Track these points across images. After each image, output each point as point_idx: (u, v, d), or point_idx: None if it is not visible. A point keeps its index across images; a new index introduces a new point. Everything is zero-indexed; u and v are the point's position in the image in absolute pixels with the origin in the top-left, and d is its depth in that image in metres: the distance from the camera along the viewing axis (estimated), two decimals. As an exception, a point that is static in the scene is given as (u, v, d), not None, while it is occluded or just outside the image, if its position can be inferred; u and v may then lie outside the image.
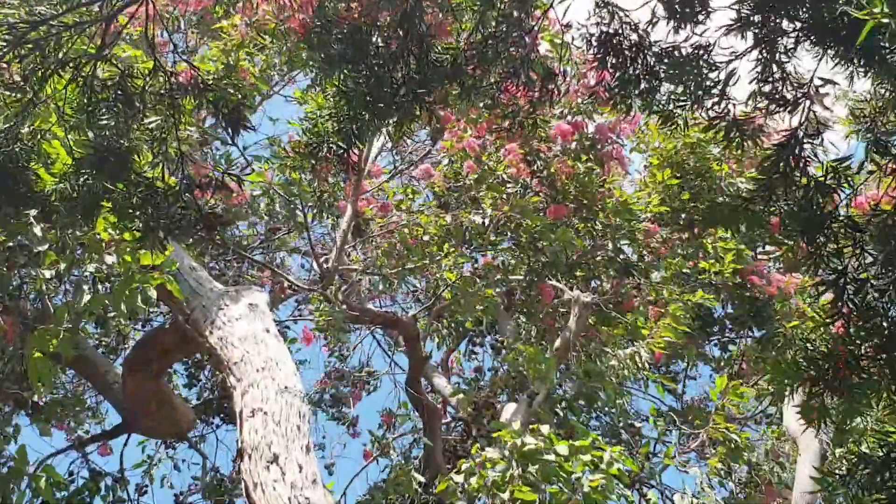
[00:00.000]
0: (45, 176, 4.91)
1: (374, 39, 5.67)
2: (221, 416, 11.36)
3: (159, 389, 8.59)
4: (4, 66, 4.40)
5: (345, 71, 5.57)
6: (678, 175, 10.55)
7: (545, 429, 7.05)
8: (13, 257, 6.11)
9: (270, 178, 10.13)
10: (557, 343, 9.85)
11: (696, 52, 4.93)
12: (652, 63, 5.12)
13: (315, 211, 10.94)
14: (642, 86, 5.16)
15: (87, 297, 6.30)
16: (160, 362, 8.26)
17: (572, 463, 6.67)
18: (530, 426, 7.34)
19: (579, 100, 10.15)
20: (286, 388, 6.43)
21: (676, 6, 5.03)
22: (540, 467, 6.65)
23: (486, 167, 10.10)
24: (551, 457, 6.70)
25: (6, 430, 8.40)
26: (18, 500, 6.76)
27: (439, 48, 5.55)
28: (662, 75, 5.08)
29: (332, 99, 5.97)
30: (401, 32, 5.52)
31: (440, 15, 6.21)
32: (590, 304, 10.03)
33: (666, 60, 5.04)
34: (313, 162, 6.11)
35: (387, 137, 11.00)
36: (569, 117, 10.28)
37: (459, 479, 6.87)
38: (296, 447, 5.97)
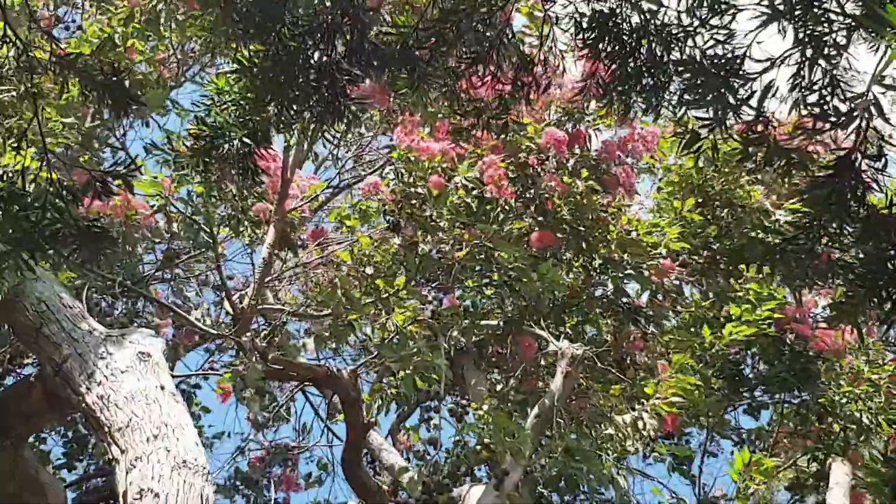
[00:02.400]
0: None
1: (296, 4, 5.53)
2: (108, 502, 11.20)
3: (20, 463, 8.38)
4: None
5: (253, 40, 5.42)
6: (700, 201, 10.46)
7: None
8: None
9: (169, 186, 9.98)
10: (536, 409, 9.68)
11: (721, 60, 4.81)
12: (660, 53, 5.00)
13: (229, 230, 10.81)
14: (645, 81, 5.05)
15: None
16: (21, 428, 8.06)
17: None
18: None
19: (574, 106, 10.11)
20: (184, 462, 6.25)
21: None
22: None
23: (452, 179, 9.99)
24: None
25: None
26: None
27: (383, 25, 5.46)
28: (676, 78, 4.95)
29: (235, 83, 5.81)
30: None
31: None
32: (581, 359, 9.91)
33: (684, 69, 4.91)
34: (206, 161, 5.90)
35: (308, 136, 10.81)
36: (568, 126, 10.24)
37: None
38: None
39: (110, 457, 6.59)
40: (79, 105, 8.13)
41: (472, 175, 10.00)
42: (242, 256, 12.41)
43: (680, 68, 4.87)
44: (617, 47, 5.03)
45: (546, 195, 10.11)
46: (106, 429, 6.60)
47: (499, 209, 10.08)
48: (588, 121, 10.38)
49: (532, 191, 10.20)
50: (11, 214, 4.59)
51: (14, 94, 4.58)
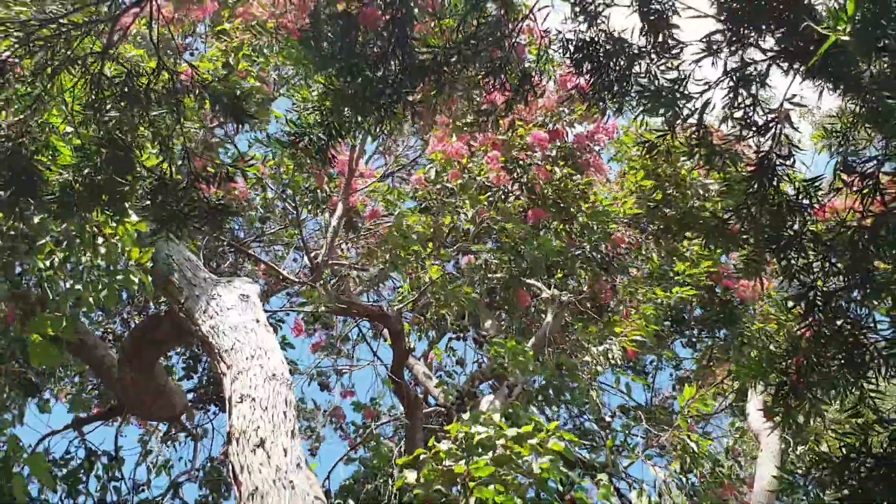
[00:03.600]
0: (51, 168, 4.84)
1: (361, 40, 5.61)
2: (216, 404, 11.29)
3: (153, 375, 8.49)
4: (15, 61, 4.33)
5: (332, 68, 5.52)
6: (653, 183, 10.49)
7: (496, 417, 6.97)
8: (15, 246, 6.02)
9: (264, 173, 10.10)
10: (534, 339, 9.83)
11: (671, 84, 4.88)
12: (625, 67, 5.09)
13: (308, 205, 10.89)
14: (615, 89, 5.14)
15: (78, 287, 6.25)
16: (154, 350, 8.16)
17: (523, 447, 6.61)
18: (482, 416, 7.25)
19: (561, 109, 10.14)
20: (274, 375, 6.36)
21: (651, 20, 5.01)
22: (493, 456, 6.58)
23: (468, 174, 10.05)
24: (501, 442, 6.64)
25: (12, 412, 8.30)
26: (17, 481, 6.65)
27: (422, 49, 5.50)
28: (636, 87, 5.04)
29: (316, 94, 5.92)
30: (386, 34, 5.47)
31: (426, 19, 6.16)
32: (566, 303, 10.01)
33: (643, 92, 4.99)
34: (293, 151, 6.06)
35: (378, 138, 10.93)
36: (549, 125, 10.24)
37: (412, 475, 6.75)
38: (281, 432, 5.90)
39: (219, 371, 6.69)
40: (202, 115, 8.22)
41: (478, 164, 10.08)
42: (319, 225, 12.39)
43: (640, 89, 4.95)
44: (595, 65, 5.09)
45: (534, 181, 10.15)
46: (216, 350, 6.71)
47: (499, 192, 10.16)
48: (564, 120, 10.38)
49: (524, 178, 10.23)
50: (159, 201, 4.64)
51: (164, 111, 4.58)
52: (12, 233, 5.89)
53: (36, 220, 5.82)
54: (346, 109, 5.74)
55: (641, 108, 5.03)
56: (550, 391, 9.56)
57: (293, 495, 5.39)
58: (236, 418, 6.02)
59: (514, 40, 5.78)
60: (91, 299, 6.30)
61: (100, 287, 6.28)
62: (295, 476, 5.58)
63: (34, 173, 4.48)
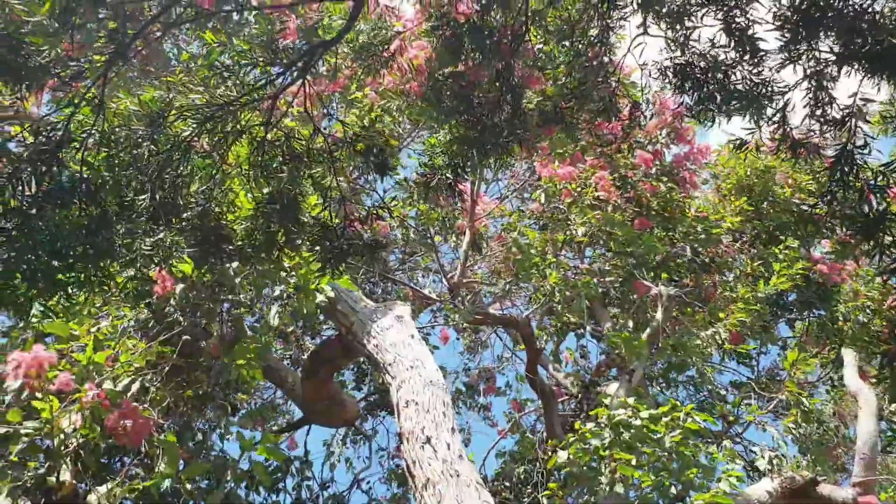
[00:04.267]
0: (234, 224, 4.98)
1: (476, 94, 5.66)
2: (384, 409, 11.44)
3: (330, 389, 8.67)
4: (195, 139, 4.47)
5: (454, 120, 5.58)
6: (748, 197, 10.39)
7: (631, 401, 6.90)
8: (216, 293, 6.23)
9: (404, 213, 10.23)
10: (648, 330, 9.68)
11: (756, 87, 4.80)
12: (722, 79, 5.02)
13: (440, 234, 10.96)
14: (717, 100, 5.06)
15: (275, 312, 6.44)
16: (328, 368, 8.34)
17: (658, 426, 6.51)
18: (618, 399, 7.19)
19: (658, 132, 10.07)
20: (431, 381, 6.43)
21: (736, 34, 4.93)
22: (633, 433, 6.50)
23: (578, 193, 10.00)
24: (638, 422, 6.54)
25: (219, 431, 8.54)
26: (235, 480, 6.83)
27: (530, 96, 5.51)
28: (734, 94, 4.96)
29: (443, 141, 6.01)
30: (497, 85, 5.49)
31: (529, 70, 6.18)
32: (673, 297, 9.81)
33: (733, 96, 4.91)
34: (427, 189, 6.15)
35: (492, 171, 10.95)
36: (649, 147, 10.14)
37: (564, 454, 6.72)
38: (443, 430, 5.95)
39: (385, 381, 6.78)
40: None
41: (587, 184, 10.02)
42: (451, 250, 12.44)
43: (737, 93, 4.88)
44: (694, 83, 5.02)
45: (641, 195, 10.03)
46: (381, 364, 6.82)
47: (610, 206, 10.05)
48: (662, 142, 10.28)
49: (630, 192, 10.11)
50: (323, 241, 4.72)
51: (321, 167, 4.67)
52: (206, 282, 6.08)
53: (231, 268, 6.01)
54: (469, 152, 5.81)
55: (736, 112, 4.99)
56: (671, 373, 9.44)
57: (459, 482, 5.44)
58: (404, 421, 6.11)
59: (618, 78, 5.76)
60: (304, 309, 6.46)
61: (305, 302, 6.47)
62: (459, 466, 5.63)
63: (221, 229, 4.62)
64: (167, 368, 5.68)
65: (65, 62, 3.20)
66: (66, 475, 4.65)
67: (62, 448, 4.67)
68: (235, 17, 6.10)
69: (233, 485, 6.47)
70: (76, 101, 3.42)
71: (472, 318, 9.65)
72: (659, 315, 9.60)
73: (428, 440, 5.83)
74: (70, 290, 3.74)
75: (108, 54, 3.28)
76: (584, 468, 6.44)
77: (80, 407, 4.75)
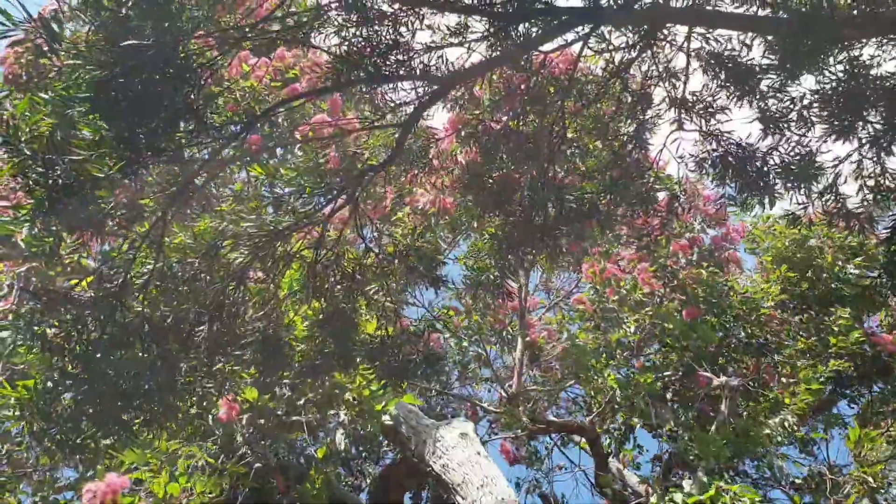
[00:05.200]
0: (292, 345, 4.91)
1: (517, 195, 5.64)
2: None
3: (399, 514, 8.44)
4: (249, 267, 4.43)
5: (496, 220, 5.56)
6: (790, 268, 10.19)
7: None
8: (282, 420, 6.12)
9: (456, 323, 10.11)
10: (715, 423, 9.37)
11: (803, 160, 4.71)
12: (761, 167, 4.95)
13: (494, 345, 10.80)
14: (760, 185, 4.98)
15: (341, 435, 6.30)
16: (398, 491, 8.10)
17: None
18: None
19: (693, 219, 10.00)
20: (503, 500, 6.19)
21: (772, 122, 4.87)
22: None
23: (624, 289, 9.89)
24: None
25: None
26: None
27: (572, 193, 5.48)
28: (777, 181, 4.89)
29: (488, 242, 5.98)
30: (539, 185, 5.47)
31: (568, 167, 6.17)
32: (737, 387, 9.52)
33: (779, 171, 4.84)
34: (475, 290, 6.09)
35: (539, 275, 10.87)
36: (687, 235, 10.05)
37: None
38: (521, 549, 5.70)
39: (453, 503, 6.54)
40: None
41: (632, 280, 9.92)
42: (503, 360, 12.22)
43: (777, 170, 4.80)
44: (734, 171, 4.95)
45: (684, 283, 9.88)
46: (450, 486, 6.58)
47: (654, 299, 9.92)
48: (698, 228, 10.23)
49: (674, 282, 9.98)
50: (382, 358, 4.62)
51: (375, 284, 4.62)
52: (272, 408, 5.97)
53: (287, 390, 5.92)
54: (514, 250, 5.76)
55: (780, 195, 4.91)
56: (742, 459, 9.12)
57: None
58: (480, 543, 5.87)
59: (655, 174, 5.72)
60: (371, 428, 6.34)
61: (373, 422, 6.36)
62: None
63: (281, 352, 4.53)
64: (240, 500, 5.54)
65: (123, 207, 3.20)
66: None
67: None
68: (280, 151, 6.20)
69: None
70: (136, 244, 3.41)
71: (533, 426, 9.39)
72: (724, 407, 9.31)
73: (507, 561, 5.59)
74: (136, 430, 3.69)
75: (166, 196, 3.28)
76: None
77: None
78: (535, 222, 5.53)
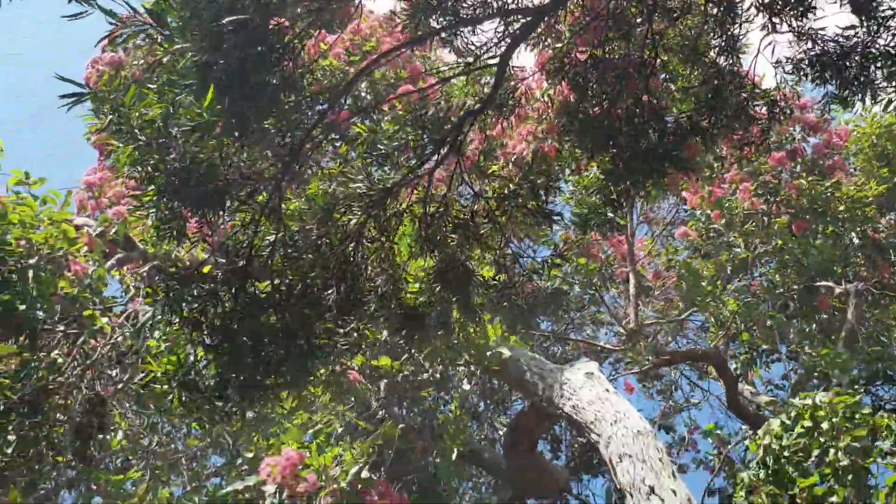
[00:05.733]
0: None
1: (616, 127, 5.49)
2: (586, 472, 11.08)
3: (534, 459, 8.45)
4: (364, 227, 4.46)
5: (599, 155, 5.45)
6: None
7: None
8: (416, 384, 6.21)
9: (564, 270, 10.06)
10: (843, 334, 9.09)
11: None
12: (860, 61, 4.72)
13: (605, 285, 10.69)
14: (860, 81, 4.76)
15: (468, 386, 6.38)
16: (529, 439, 8.12)
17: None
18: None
19: (794, 130, 9.62)
20: (639, 432, 6.12)
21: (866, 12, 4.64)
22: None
23: (729, 212, 9.63)
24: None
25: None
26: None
27: (670, 116, 5.33)
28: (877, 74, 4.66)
29: (592, 179, 5.89)
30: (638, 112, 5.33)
31: (663, 89, 5.99)
32: (861, 292, 9.21)
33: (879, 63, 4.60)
34: (585, 229, 6.00)
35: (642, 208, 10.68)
36: (788, 146, 9.69)
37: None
38: (664, 476, 5.64)
39: (591, 441, 6.51)
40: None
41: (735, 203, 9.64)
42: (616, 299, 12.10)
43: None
44: (836, 69, 4.74)
45: (788, 197, 9.54)
46: (583, 425, 6.55)
47: (760, 217, 9.64)
48: (798, 138, 9.82)
49: (777, 197, 9.65)
50: (506, 302, 4.58)
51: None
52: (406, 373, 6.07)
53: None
54: (621, 183, 5.65)
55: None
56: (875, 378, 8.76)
57: (693, 525, 5.17)
58: (622, 476, 5.81)
59: (751, 87, 5.49)
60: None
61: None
62: (689, 510, 5.37)
63: (404, 309, 4.53)
64: (389, 462, 5.67)
65: (240, 182, 3.26)
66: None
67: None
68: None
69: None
70: (256, 217, 3.48)
71: (657, 359, 9.29)
72: (851, 315, 9.02)
73: (652, 490, 5.54)
74: (278, 395, 3.81)
75: (279, 166, 3.33)
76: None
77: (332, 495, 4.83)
78: (637, 152, 5.40)
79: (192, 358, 3.55)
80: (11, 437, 6.15)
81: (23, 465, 6.27)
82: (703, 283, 9.39)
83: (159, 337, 6.22)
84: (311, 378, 3.99)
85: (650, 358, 9.21)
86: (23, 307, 5.68)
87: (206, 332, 3.42)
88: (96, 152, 9.13)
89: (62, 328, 6.27)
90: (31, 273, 5.82)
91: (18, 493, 6.35)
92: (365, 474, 5.00)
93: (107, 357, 6.45)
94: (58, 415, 6.45)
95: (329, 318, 3.70)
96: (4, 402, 5.97)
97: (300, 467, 4.89)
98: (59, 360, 6.40)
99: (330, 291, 3.65)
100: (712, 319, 10.22)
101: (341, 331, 3.77)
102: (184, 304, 3.38)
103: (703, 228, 9.97)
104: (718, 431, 10.19)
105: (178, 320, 3.38)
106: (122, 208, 6.90)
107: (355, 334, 3.92)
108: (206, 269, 3.70)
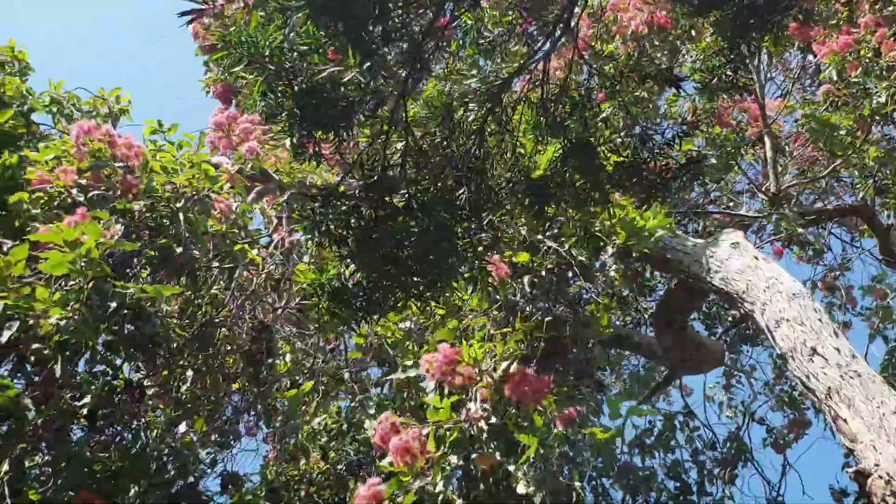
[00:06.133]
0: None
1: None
2: (744, 343, 10.93)
3: (687, 337, 8.38)
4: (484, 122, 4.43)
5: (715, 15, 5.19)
6: None
7: None
8: (558, 275, 6.23)
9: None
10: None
11: None
12: None
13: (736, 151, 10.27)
14: None
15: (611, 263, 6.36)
16: (681, 316, 8.04)
17: None
18: None
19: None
20: (794, 294, 5.96)
21: None
22: None
23: (867, 59, 8.98)
24: None
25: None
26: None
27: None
28: None
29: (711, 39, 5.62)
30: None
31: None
32: None
33: None
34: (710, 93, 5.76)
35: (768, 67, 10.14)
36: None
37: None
38: (825, 336, 5.49)
39: (745, 312, 6.40)
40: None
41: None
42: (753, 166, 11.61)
43: None
44: None
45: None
46: (735, 296, 6.42)
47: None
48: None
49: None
50: (637, 177, 4.47)
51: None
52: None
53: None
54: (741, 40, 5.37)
55: None
56: None
57: (863, 381, 4.99)
58: (781, 340, 5.68)
59: None
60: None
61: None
62: (856, 366, 5.18)
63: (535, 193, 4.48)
64: (539, 354, 5.74)
65: (364, 98, 3.29)
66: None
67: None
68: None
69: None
70: (385, 129, 3.52)
71: (804, 220, 8.95)
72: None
73: (814, 351, 5.41)
74: (423, 296, 3.89)
75: (401, 75, 3.34)
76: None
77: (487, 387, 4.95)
78: (748, 4, 5.11)
79: (337, 271, 3.69)
80: (189, 373, 6.56)
81: (203, 396, 6.68)
82: (842, 133, 8.86)
83: (308, 261, 6.45)
84: (455, 281, 4.05)
85: (795, 220, 8.89)
86: (179, 249, 5.96)
87: (349, 247, 3.52)
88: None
89: (217, 264, 6.57)
90: (181, 216, 6.08)
91: (203, 422, 6.78)
92: (515, 367, 5.09)
93: (262, 286, 6.75)
94: (227, 346, 6.83)
95: (464, 215, 3.72)
96: (177, 340, 6.34)
97: (456, 361, 5.01)
98: (220, 295, 6.74)
99: (461, 191, 3.67)
100: (855, 172, 9.71)
101: (475, 227, 3.79)
102: (328, 223, 3.47)
103: (838, 81, 9.40)
104: (878, 285, 9.84)
105: (324, 240, 3.48)
106: (254, 143, 7.10)
107: (491, 231, 3.94)
108: (341, 189, 3.79)
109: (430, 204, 3.59)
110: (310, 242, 3.60)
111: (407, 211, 3.57)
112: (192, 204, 6.20)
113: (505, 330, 5.70)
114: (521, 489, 4.73)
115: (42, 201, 5.84)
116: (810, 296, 6.00)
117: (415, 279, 3.70)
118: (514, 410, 4.93)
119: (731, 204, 11.61)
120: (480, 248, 3.93)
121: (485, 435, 4.80)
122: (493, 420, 4.90)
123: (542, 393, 4.83)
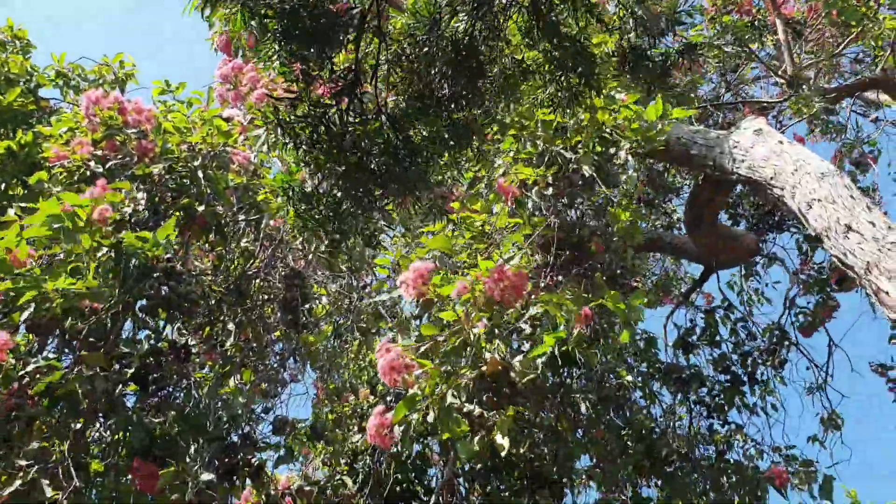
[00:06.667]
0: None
1: None
2: (772, 232, 10.74)
3: (718, 231, 8.25)
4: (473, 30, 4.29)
5: None
6: None
7: None
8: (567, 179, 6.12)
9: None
10: None
11: None
12: None
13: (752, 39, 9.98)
14: None
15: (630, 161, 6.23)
16: (710, 210, 7.88)
17: None
18: None
19: None
20: (823, 173, 5.79)
21: None
22: None
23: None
24: None
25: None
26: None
27: None
28: None
29: None
30: None
31: None
32: None
33: None
34: None
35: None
36: None
37: None
38: (859, 212, 5.28)
39: (775, 197, 6.23)
40: None
41: None
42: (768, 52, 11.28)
43: None
44: None
45: None
46: (763, 183, 6.21)
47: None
48: None
49: None
50: (637, 63, 4.33)
51: None
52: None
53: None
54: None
55: None
56: None
57: (901, 251, 4.91)
58: (815, 221, 5.48)
59: None
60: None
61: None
62: (893, 237, 5.07)
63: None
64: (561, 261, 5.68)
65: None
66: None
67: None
68: None
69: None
70: (361, 36, 3.39)
71: (824, 100, 8.71)
72: None
73: (849, 228, 5.20)
74: (389, 210, 3.81)
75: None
76: None
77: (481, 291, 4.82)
78: None
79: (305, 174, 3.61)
80: (231, 326, 6.60)
81: (246, 348, 6.74)
82: (854, 2, 8.54)
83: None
84: (427, 189, 3.90)
85: (815, 100, 8.65)
86: (202, 207, 5.94)
87: (317, 151, 3.41)
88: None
89: (243, 217, 6.56)
90: (200, 174, 6.05)
91: (251, 373, 6.85)
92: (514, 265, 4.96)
93: (290, 233, 6.73)
94: (263, 296, 6.86)
95: (445, 111, 3.59)
96: (214, 296, 6.37)
97: (429, 276, 4.88)
98: (250, 247, 6.75)
99: (444, 89, 3.53)
100: (872, 44, 9.40)
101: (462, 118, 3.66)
102: (294, 125, 3.37)
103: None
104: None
105: (288, 141, 3.39)
106: (261, 91, 7.00)
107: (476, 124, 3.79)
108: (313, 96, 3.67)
109: (404, 113, 3.49)
110: (276, 143, 3.47)
111: (378, 118, 3.48)
112: (209, 160, 6.15)
113: (511, 232, 5.61)
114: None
115: (62, 177, 5.84)
116: (839, 174, 5.83)
117: (383, 189, 3.61)
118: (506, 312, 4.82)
119: (750, 91, 11.36)
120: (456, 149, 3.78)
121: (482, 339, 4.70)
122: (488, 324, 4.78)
123: (522, 287, 4.70)
